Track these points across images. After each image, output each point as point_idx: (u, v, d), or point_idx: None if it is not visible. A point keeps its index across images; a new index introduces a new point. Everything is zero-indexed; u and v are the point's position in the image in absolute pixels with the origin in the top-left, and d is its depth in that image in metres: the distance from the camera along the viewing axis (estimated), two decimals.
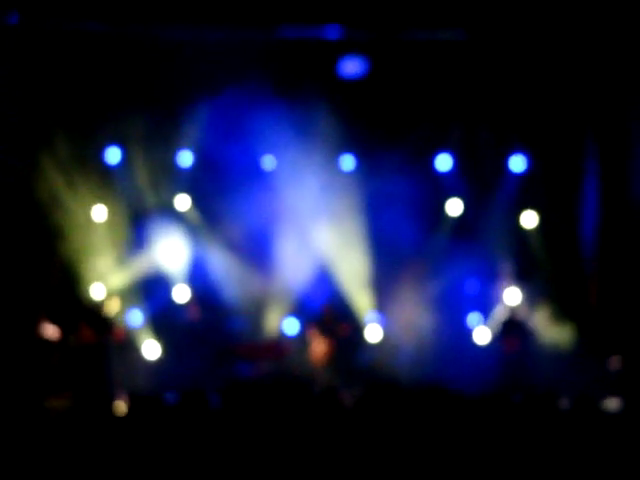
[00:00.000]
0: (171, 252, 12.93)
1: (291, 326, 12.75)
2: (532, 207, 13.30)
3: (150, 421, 5.16)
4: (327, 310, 11.75)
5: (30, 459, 4.73)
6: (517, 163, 13.29)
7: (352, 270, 13.00)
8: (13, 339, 11.11)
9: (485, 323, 12.61)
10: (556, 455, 4.77)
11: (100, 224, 13.03)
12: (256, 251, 13.04)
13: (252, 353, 12.01)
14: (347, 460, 4.61)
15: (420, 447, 4.71)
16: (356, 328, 12.82)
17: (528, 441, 4.87)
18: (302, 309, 12.67)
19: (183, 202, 13.26)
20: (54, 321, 11.60)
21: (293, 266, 13.05)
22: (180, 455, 4.78)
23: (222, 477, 4.63)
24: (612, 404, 10.40)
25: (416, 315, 12.80)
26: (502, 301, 12.52)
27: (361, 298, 13.04)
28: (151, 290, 12.87)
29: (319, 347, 11.55)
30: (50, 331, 11.44)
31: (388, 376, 12.06)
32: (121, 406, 5.63)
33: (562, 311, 12.50)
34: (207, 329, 12.81)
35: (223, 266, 13.04)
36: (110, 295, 12.06)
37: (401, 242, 13.06)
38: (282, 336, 12.67)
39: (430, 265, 13.02)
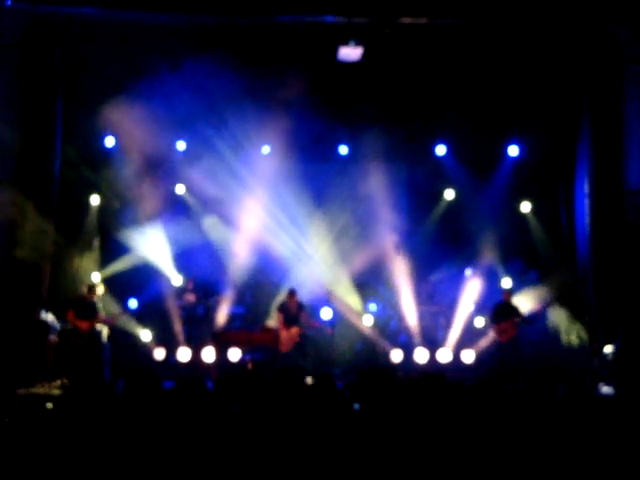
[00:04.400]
0: (166, 240, 12.92)
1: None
2: (527, 193, 13.32)
3: (148, 405, 5.17)
4: (290, 299, 11.74)
5: (28, 443, 4.75)
6: (512, 150, 13.32)
7: (347, 257, 13.03)
8: (10, 326, 11.12)
9: (481, 310, 12.63)
10: (551, 440, 4.80)
11: (95, 212, 13.05)
12: (256, 238, 13.04)
13: (248, 340, 12.01)
14: (342, 446, 4.63)
15: (416, 433, 4.72)
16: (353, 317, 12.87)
17: (523, 427, 4.89)
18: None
19: (179, 189, 13.26)
20: (49, 309, 11.61)
21: (288, 255, 13.07)
22: (176, 441, 4.79)
23: (217, 463, 4.66)
24: (606, 390, 10.45)
25: (411, 303, 12.82)
26: (498, 287, 12.53)
27: (357, 287, 13.05)
28: (147, 278, 12.87)
29: (284, 333, 11.52)
30: (46, 317, 11.45)
31: (383, 364, 12.10)
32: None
33: (558, 298, 12.51)
34: (203, 315, 12.82)
35: (220, 253, 13.06)
36: (104, 283, 12.05)
37: (398, 229, 13.07)
38: (274, 322, 12.67)
39: (424, 253, 13.02)
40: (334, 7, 10.64)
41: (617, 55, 11.56)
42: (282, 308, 11.84)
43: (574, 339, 12.34)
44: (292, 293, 11.87)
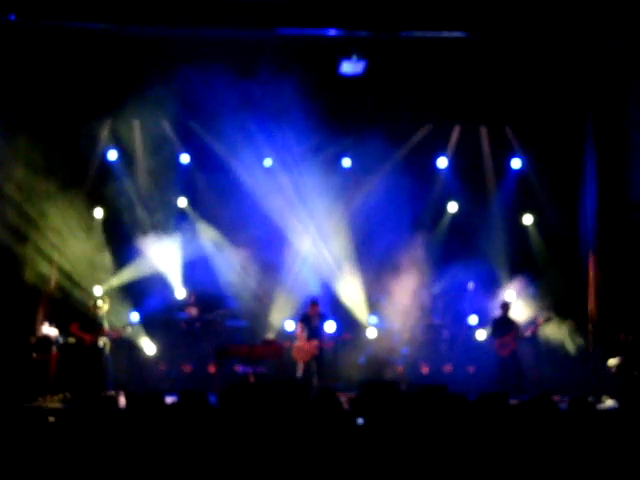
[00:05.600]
0: (169, 253, 12.92)
1: (290, 327, 12.73)
2: (530, 207, 13.33)
3: (150, 420, 5.17)
4: (313, 308, 11.62)
5: (30, 457, 4.75)
6: (515, 163, 13.33)
7: (351, 270, 13.01)
8: (11, 339, 11.14)
9: (483, 324, 12.61)
10: (554, 455, 4.78)
11: (100, 224, 13.06)
12: (258, 251, 13.05)
13: (249, 353, 11.99)
14: (344, 461, 4.62)
15: (417, 448, 4.71)
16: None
17: (526, 442, 4.87)
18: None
19: (182, 202, 13.27)
20: (52, 322, 11.61)
21: (293, 266, 13.06)
22: (178, 455, 4.78)
23: (219, 478, 4.65)
24: (609, 404, 10.42)
25: (413, 315, 12.80)
26: (500, 300, 12.50)
27: (360, 301, 13.03)
28: (150, 291, 12.86)
29: (303, 345, 11.39)
30: (48, 331, 11.46)
31: (385, 377, 12.05)
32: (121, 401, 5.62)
33: (560, 311, 12.50)
34: (206, 329, 12.79)
35: (223, 265, 13.06)
36: (108, 296, 12.05)
37: (400, 242, 13.07)
38: (281, 336, 12.65)
39: (427, 265, 13.00)
40: (336, 20, 10.69)
41: (621, 68, 11.61)
42: (304, 319, 11.71)
43: (574, 349, 12.31)
44: (314, 303, 11.71)
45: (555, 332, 12.47)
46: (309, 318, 11.64)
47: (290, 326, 12.69)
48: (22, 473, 4.77)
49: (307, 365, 11.46)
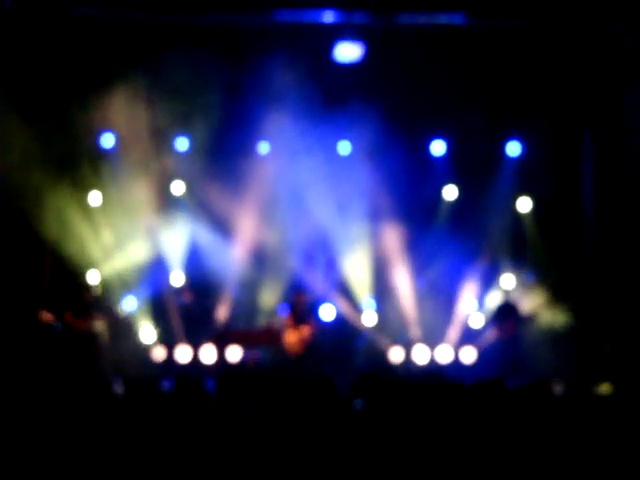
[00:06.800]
0: (166, 238, 12.91)
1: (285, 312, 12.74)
2: (527, 192, 13.31)
3: (146, 407, 5.17)
4: (299, 298, 11.55)
5: (27, 444, 4.75)
6: (513, 148, 13.30)
7: (348, 256, 13.01)
8: (9, 325, 11.16)
9: (480, 309, 12.62)
10: (550, 440, 4.80)
11: (95, 210, 13.02)
12: (253, 237, 13.04)
13: (247, 339, 11.99)
14: (343, 448, 4.63)
15: (416, 435, 4.72)
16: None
17: (523, 427, 4.88)
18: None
19: (178, 187, 13.22)
20: (48, 308, 11.62)
21: (290, 252, 13.05)
22: (175, 443, 4.79)
23: (217, 467, 4.65)
24: (605, 388, 10.45)
25: (412, 299, 12.81)
26: (497, 286, 12.51)
27: (358, 284, 13.02)
28: (146, 276, 12.85)
29: (292, 335, 11.32)
30: (45, 317, 11.47)
31: (383, 363, 12.07)
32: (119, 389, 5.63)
33: (557, 295, 12.53)
34: (202, 315, 12.80)
35: (218, 251, 13.04)
36: (104, 282, 12.04)
37: (395, 227, 13.05)
38: (277, 322, 12.66)
39: (425, 252, 13.01)
40: (332, 1, 10.66)
41: (617, 51, 11.59)
42: (289, 309, 11.66)
43: (566, 333, 12.36)
44: (299, 292, 11.64)
45: (553, 315, 12.51)
46: (295, 308, 11.57)
47: (285, 312, 12.71)
48: (18, 456, 4.79)
49: (302, 356, 11.42)
